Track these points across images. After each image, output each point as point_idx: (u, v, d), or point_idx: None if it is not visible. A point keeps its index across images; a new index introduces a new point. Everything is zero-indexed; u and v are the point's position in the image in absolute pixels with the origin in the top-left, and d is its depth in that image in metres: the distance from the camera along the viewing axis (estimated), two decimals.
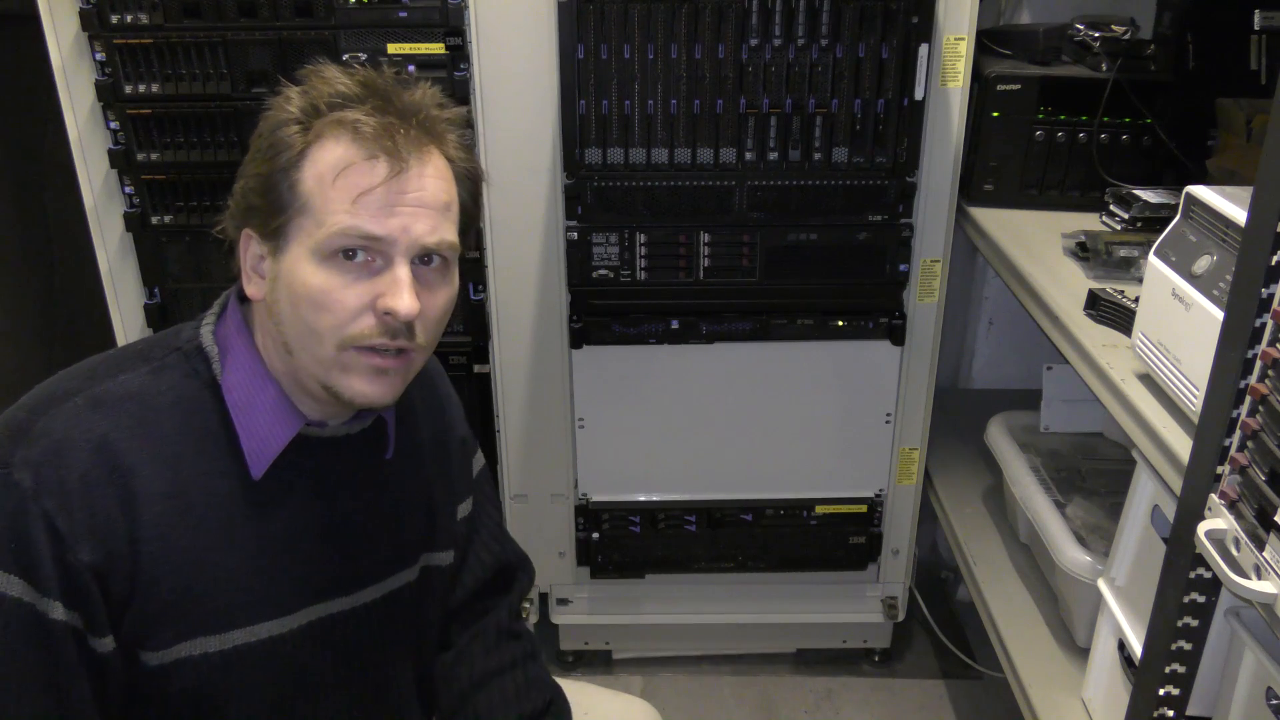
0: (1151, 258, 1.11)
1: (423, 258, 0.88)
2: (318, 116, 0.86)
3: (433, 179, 0.88)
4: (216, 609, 0.90)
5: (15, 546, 0.81)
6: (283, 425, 0.92)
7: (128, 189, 1.66)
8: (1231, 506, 0.87)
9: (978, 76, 1.69)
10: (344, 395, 0.89)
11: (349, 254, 0.85)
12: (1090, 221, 1.64)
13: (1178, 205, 1.11)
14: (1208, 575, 0.95)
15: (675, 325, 1.74)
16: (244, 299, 0.94)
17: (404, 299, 0.85)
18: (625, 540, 1.90)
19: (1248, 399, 0.85)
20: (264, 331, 0.92)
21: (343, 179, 0.84)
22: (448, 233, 0.89)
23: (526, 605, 1.24)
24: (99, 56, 1.57)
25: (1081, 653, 1.48)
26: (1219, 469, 0.89)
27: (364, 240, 0.85)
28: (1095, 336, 1.29)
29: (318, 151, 0.85)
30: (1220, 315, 0.92)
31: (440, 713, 1.13)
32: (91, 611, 0.84)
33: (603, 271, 1.69)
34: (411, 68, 1.57)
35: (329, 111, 0.86)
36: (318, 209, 0.85)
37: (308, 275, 0.85)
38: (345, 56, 1.56)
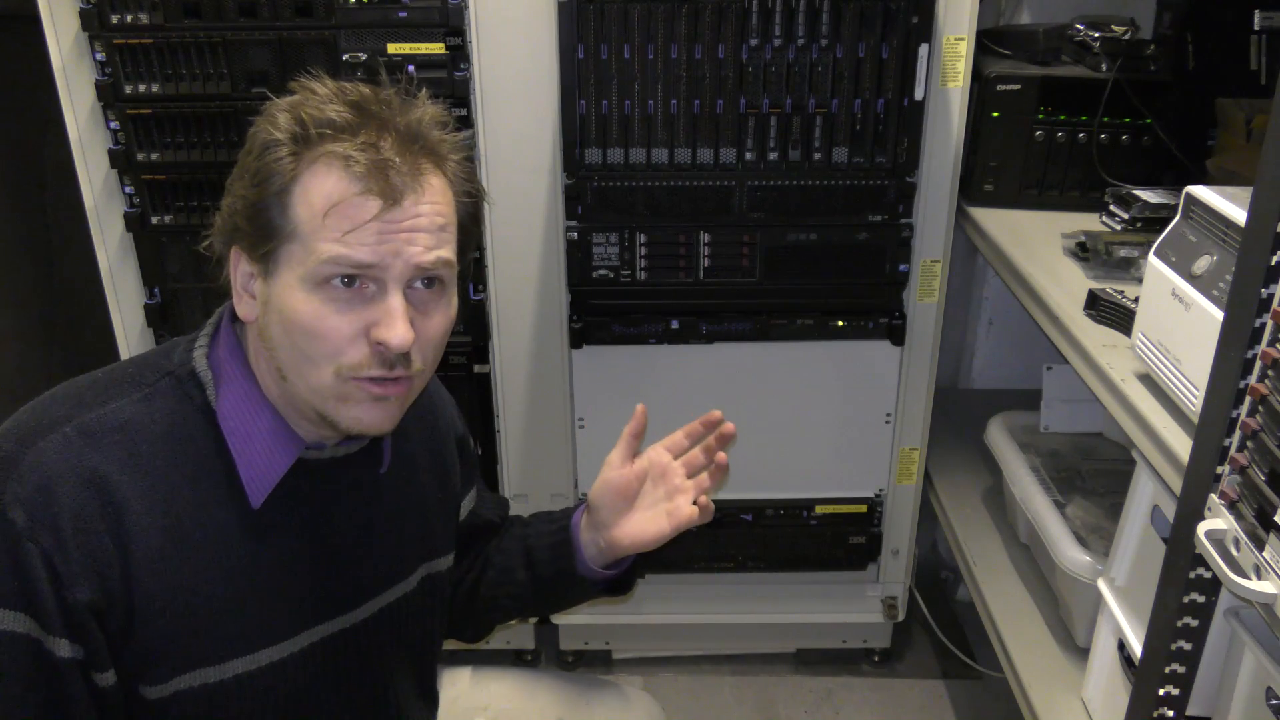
0: (1151, 258, 1.11)
1: (419, 280, 0.86)
2: (308, 144, 0.83)
3: (428, 205, 0.85)
4: (215, 640, 0.88)
5: (18, 584, 0.79)
6: (281, 453, 0.90)
7: (128, 189, 1.65)
8: (1231, 506, 0.87)
9: (978, 76, 1.69)
10: (341, 425, 0.87)
11: (341, 280, 0.83)
12: (1090, 221, 1.64)
13: (1178, 205, 1.11)
14: (1208, 575, 0.95)
15: (675, 325, 1.74)
16: (236, 318, 0.91)
17: (397, 330, 0.83)
18: None
19: (1248, 399, 0.85)
20: (258, 354, 0.89)
21: (334, 212, 0.81)
22: (444, 251, 0.86)
23: None
24: (99, 56, 1.57)
25: (1081, 653, 1.48)
26: (1219, 469, 0.89)
27: (354, 269, 0.82)
28: (1095, 336, 1.29)
29: (308, 180, 0.83)
30: (1220, 315, 0.92)
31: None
32: (93, 647, 0.82)
33: (603, 271, 1.69)
34: (411, 68, 1.57)
35: (320, 141, 0.82)
36: (307, 236, 0.82)
37: (298, 302, 0.83)
38: (345, 56, 1.56)
